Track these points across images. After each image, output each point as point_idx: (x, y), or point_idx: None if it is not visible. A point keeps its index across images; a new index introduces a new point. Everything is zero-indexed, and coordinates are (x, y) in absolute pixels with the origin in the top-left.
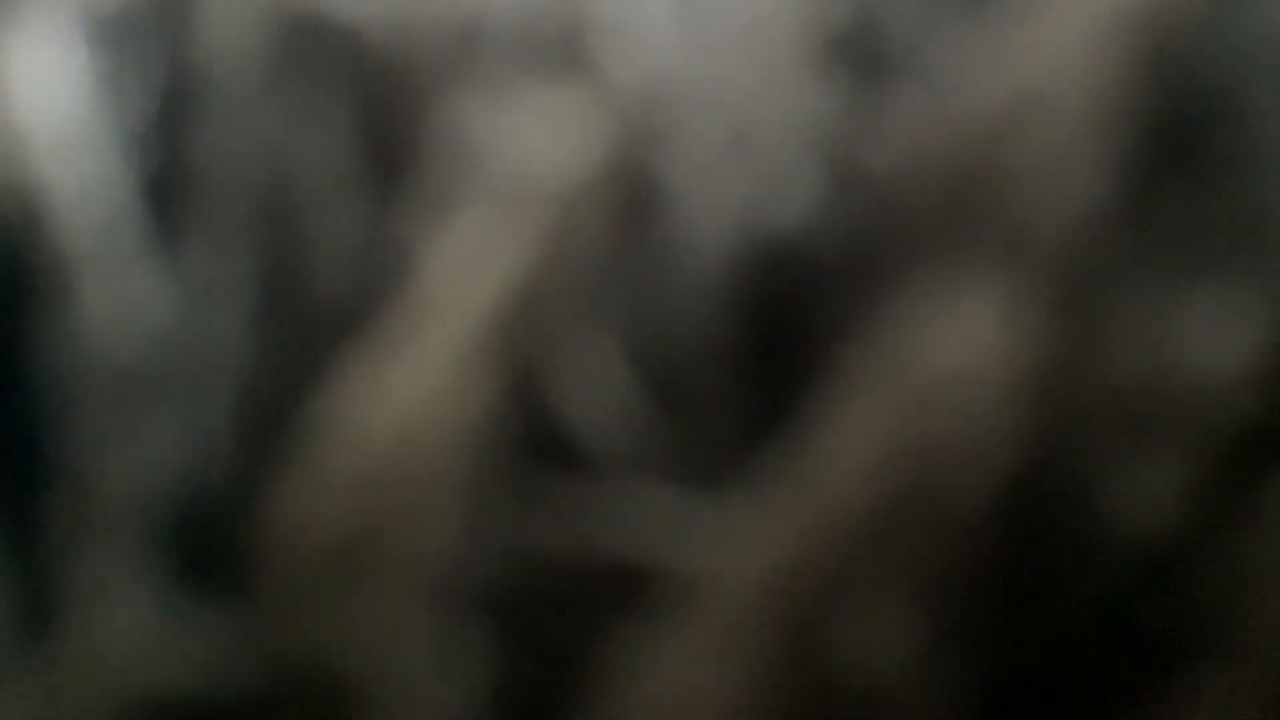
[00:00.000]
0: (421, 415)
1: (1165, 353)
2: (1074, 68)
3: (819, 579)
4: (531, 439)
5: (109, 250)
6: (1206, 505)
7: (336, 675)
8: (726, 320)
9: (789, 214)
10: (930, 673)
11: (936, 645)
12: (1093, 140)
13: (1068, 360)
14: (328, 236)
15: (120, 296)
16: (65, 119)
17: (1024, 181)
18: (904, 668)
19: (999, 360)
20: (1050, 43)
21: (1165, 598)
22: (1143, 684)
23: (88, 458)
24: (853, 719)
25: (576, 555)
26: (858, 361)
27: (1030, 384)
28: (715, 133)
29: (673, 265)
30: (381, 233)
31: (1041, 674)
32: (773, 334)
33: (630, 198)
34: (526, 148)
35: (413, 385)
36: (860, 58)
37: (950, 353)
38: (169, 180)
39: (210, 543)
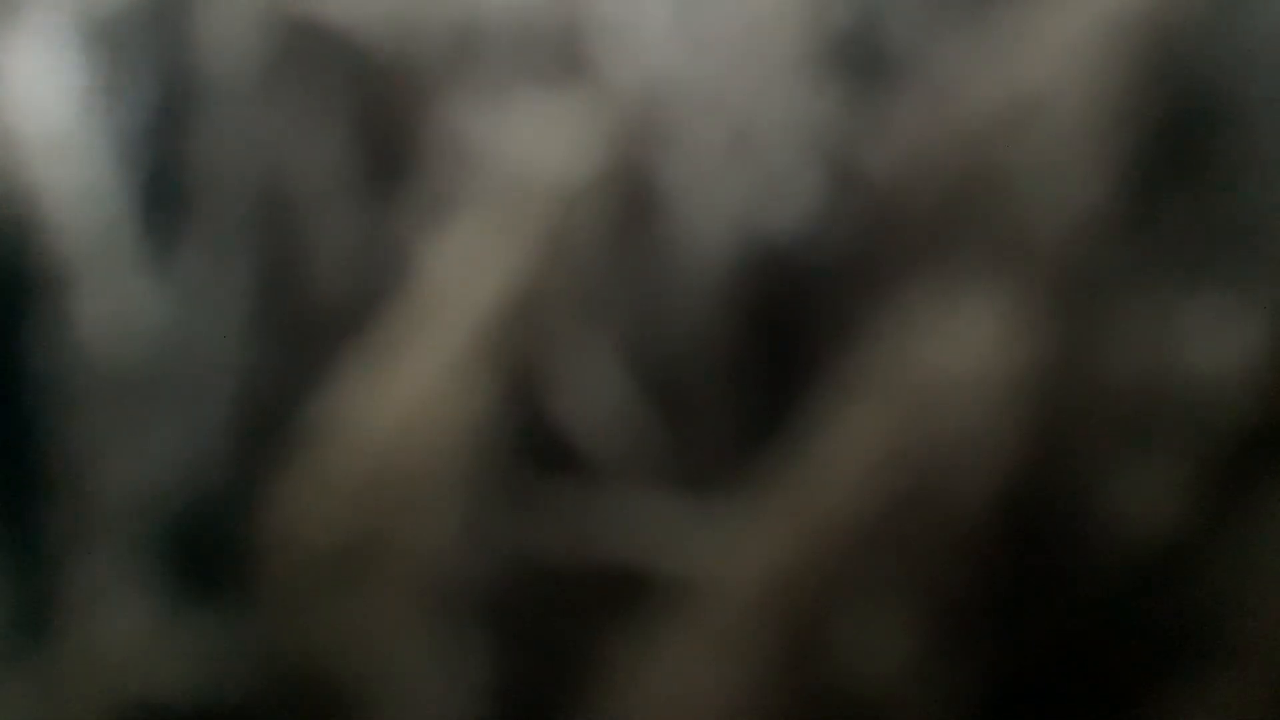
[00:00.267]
0: (420, 417)
1: (1165, 355)
2: (1074, 70)
3: (818, 581)
4: (530, 441)
5: (106, 253)
6: (1206, 506)
7: (335, 677)
8: (725, 323)
9: (788, 216)
10: (930, 674)
11: (936, 647)
12: (1093, 143)
13: (1067, 362)
14: (326, 239)
15: (118, 299)
16: (62, 122)
17: (1024, 184)
18: (903, 669)
19: (998, 362)
20: (1050, 45)
21: (1165, 598)
22: (1143, 684)
23: (86, 460)
24: None
25: (575, 557)
26: (857, 364)
27: (1030, 386)
28: (714, 135)
29: (672, 267)
30: (380, 235)
31: (1041, 675)
32: (772, 336)
33: (629, 200)
34: (525, 150)
35: (411, 388)
36: (860, 60)
37: (950, 355)
38: (166, 183)
39: (209, 545)
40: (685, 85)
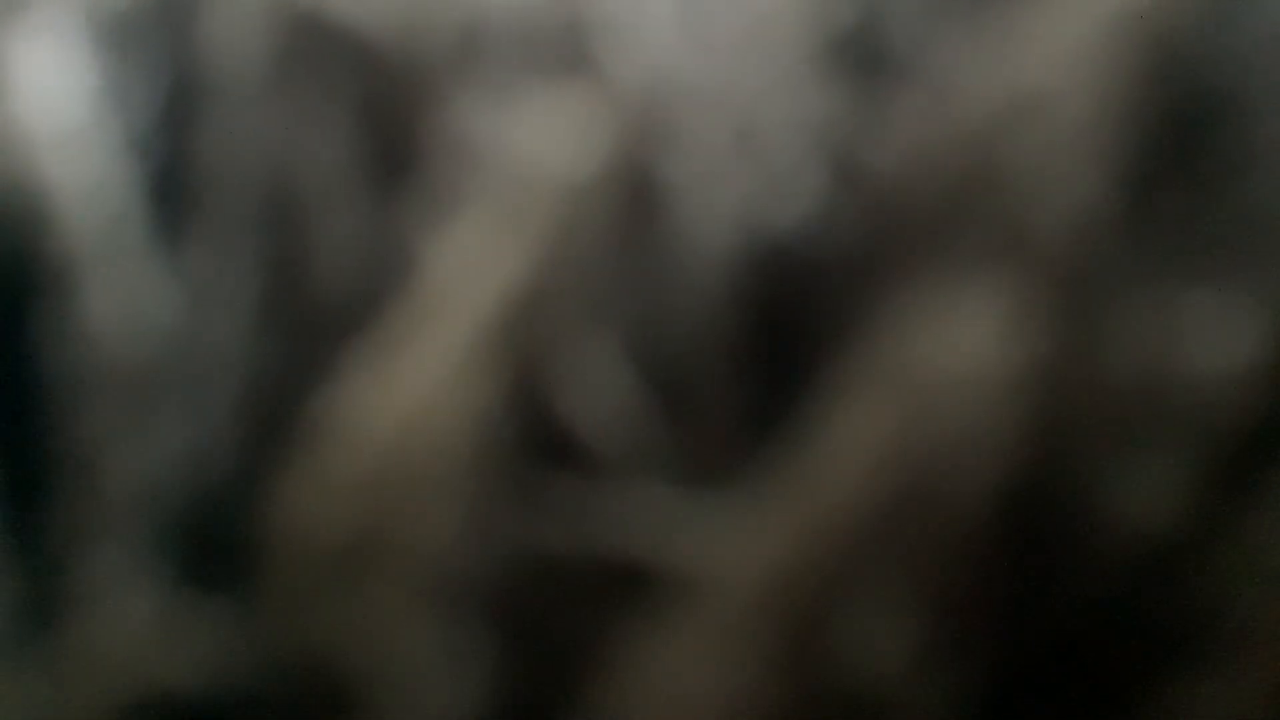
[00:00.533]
0: (424, 415)
1: (1164, 353)
2: (1074, 68)
3: (819, 579)
4: (533, 438)
5: (114, 250)
6: (1206, 505)
7: (339, 672)
8: (728, 320)
9: (791, 214)
10: (930, 672)
11: (936, 645)
12: (1093, 141)
13: (1067, 360)
14: (331, 236)
15: (125, 296)
16: (70, 119)
17: (1024, 182)
18: (904, 667)
19: (999, 360)
20: (1050, 44)
21: (1165, 598)
22: (1142, 683)
23: (92, 456)
24: (852, 719)
25: (578, 554)
26: (858, 361)
27: (1030, 384)
28: (717, 133)
29: (675, 265)
30: (384, 233)
31: (1041, 674)
32: (774, 333)
33: (632, 197)
34: (529, 148)
35: (415, 385)
36: (863, 58)
37: (951, 352)
38: (173, 180)
39: (213, 541)
40: (688, 83)
